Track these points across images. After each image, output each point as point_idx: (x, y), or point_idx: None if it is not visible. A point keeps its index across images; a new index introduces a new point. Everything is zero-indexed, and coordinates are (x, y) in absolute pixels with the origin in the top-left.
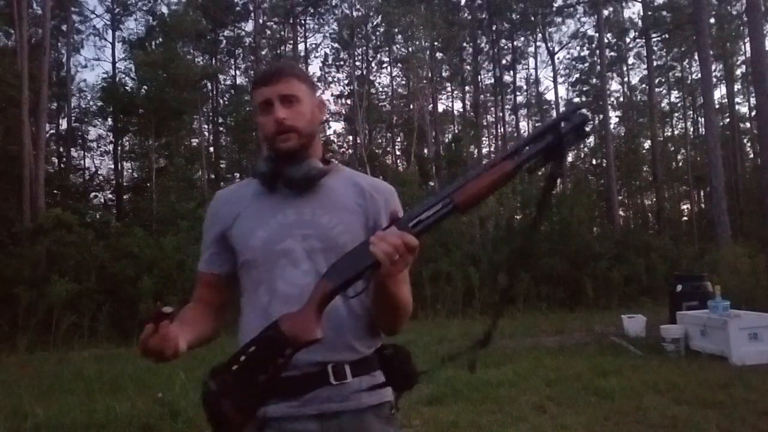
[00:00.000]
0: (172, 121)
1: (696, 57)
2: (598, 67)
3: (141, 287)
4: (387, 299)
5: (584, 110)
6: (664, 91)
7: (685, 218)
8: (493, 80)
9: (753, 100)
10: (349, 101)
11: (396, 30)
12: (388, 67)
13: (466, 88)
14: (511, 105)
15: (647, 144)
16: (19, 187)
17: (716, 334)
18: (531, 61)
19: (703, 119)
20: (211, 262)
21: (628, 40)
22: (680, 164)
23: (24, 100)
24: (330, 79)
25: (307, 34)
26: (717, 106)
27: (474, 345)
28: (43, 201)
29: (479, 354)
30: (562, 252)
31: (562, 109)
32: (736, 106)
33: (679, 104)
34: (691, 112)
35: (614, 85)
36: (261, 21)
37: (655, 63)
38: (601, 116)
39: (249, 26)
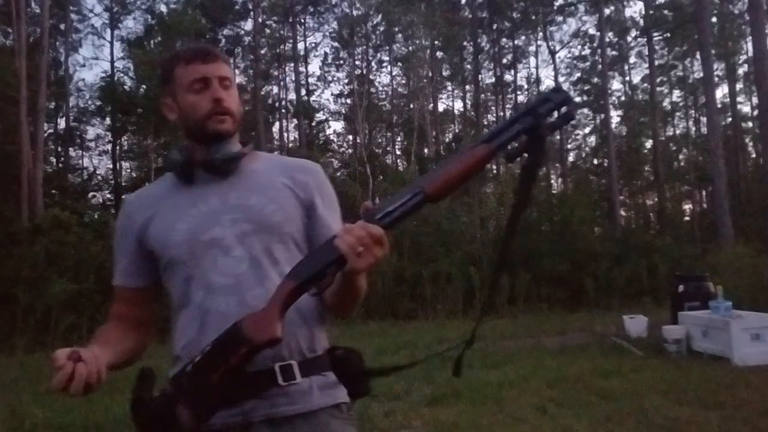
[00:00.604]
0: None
1: (698, 56)
2: (600, 66)
3: None
4: (350, 292)
5: (565, 90)
6: (666, 90)
7: (687, 218)
8: (493, 79)
9: (755, 99)
10: (349, 100)
11: (396, 29)
12: (388, 67)
13: (467, 87)
14: (512, 104)
15: (649, 143)
16: (17, 186)
17: (718, 334)
18: (532, 60)
19: (705, 118)
20: (128, 275)
21: (629, 39)
22: (682, 164)
23: (22, 99)
24: (330, 78)
25: (306, 32)
26: (719, 106)
27: (461, 345)
28: (42, 201)
29: (464, 354)
30: (563, 252)
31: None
32: (738, 106)
33: (680, 103)
34: (693, 112)
35: (616, 84)
36: (260, 20)
37: (656, 62)
38: (603, 115)
39: (248, 25)
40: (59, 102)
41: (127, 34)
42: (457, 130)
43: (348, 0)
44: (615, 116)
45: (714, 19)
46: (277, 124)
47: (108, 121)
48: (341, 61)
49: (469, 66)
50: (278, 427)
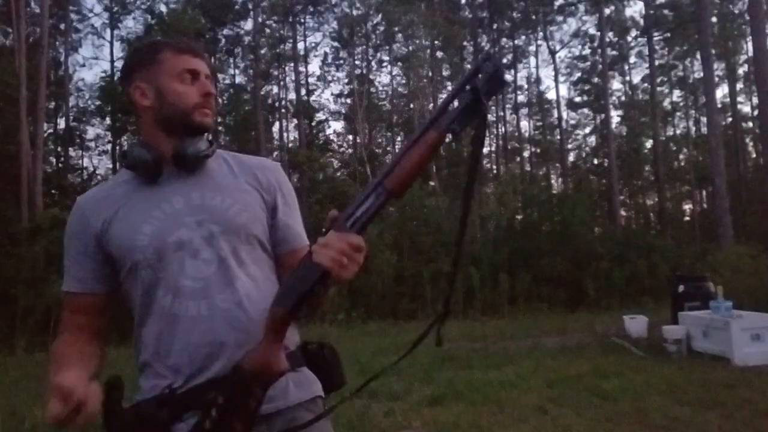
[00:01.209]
0: None
1: (698, 56)
2: (600, 66)
3: None
4: (321, 300)
5: (494, 57)
6: (666, 90)
7: (687, 218)
8: None
9: (755, 99)
10: (348, 100)
11: (396, 29)
12: (388, 66)
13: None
14: (512, 104)
15: (649, 143)
16: (16, 186)
17: (718, 334)
18: (532, 60)
19: (705, 118)
20: (84, 281)
21: (629, 38)
22: (682, 164)
23: (22, 99)
24: (330, 78)
25: (306, 32)
26: (719, 106)
27: (435, 321)
28: (41, 201)
29: (441, 327)
30: (564, 252)
31: (559, 107)
32: (738, 106)
33: (681, 103)
34: (693, 112)
35: (616, 84)
36: (260, 20)
37: (656, 62)
38: (603, 115)
39: (248, 25)
40: (59, 102)
41: (127, 34)
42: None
43: (348, 0)
44: (615, 116)
45: (714, 19)
46: (277, 124)
47: (108, 121)
48: (341, 61)
49: (469, 66)
50: (256, 426)
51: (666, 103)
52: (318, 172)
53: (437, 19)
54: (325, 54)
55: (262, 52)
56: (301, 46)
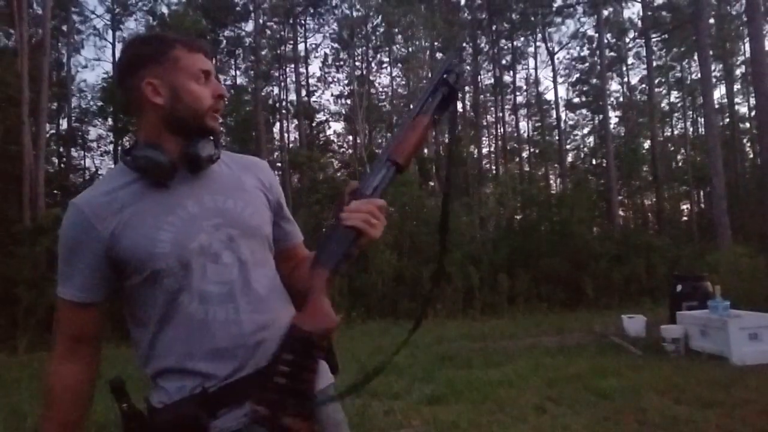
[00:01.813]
0: None
1: (696, 57)
2: (598, 67)
3: None
4: None
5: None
6: (664, 91)
7: (685, 218)
8: (492, 80)
9: (753, 100)
10: (349, 101)
11: (396, 30)
12: (388, 67)
13: (466, 88)
14: (510, 105)
15: (647, 144)
16: (19, 187)
17: (716, 334)
18: (531, 61)
19: (702, 119)
20: (86, 289)
21: (627, 40)
22: (680, 164)
23: (24, 100)
24: (330, 79)
25: (307, 34)
26: (717, 106)
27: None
28: (43, 201)
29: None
30: (563, 252)
31: (558, 108)
32: (736, 106)
33: (678, 104)
34: (691, 112)
35: (614, 85)
36: (261, 21)
37: (654, 63)
38: (601, 116)
39: (249, 26)
40: (61, 103)
41: (129, 35)
42: (456, 131)
43: (348, 1)
44: (613, 117)
45: (712, 21)
46: (277, 124)
47: (110, 121)
48: (341, 62)
49: (468, 67)
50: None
51: (664, 104)
52: (318, 172)
53: (437, 20)
54: (326, 55)
55: (263, 53)
56: (301, 47)
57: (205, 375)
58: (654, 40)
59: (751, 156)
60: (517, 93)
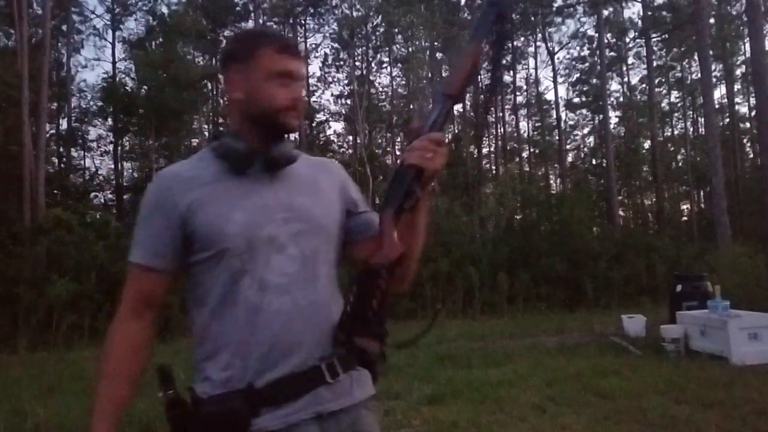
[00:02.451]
0: (172, 121)
1: (696, 57)
2: (598, 67)
3: None
4: (416, 231)
5: None
6: (664, 91)
7: (685, 218)
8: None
9: (753, 100)
10: (349, 101)
11: (396, 30)
12: (388, 67)
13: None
14: (510, 105)
15: (647, 144)
16: (19, 187)
17: (716, 334)
18: (531, 61)
19: (702, 119)
20: (164, 257)
21: (627, 40)
22: (680, 164)
23: (24, 100)
24: (330, 79)
25: (307, 34)
26: (717, 106)
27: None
28: (44, 201)
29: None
30: (562, 252)
31: (558, 108)
32: (736, 106)
33: (678, 104)
34: (691, 112)
35: (614, 85)
36: (261, 21)
37: (654, 63)
38: (601, 116)
39: (249, 26)
40: (61, 103)
41: (129, 35)
42: (456, 131)
43: (348, 1)
44: (613, 117)
45: (712, 21)
46: None
47: (109, 121)
48: (341, 62)
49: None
50: (324, 422)
51: (664, 104)
52: None
53: (437, 20)
54: (326, 55)
55: None
56: (301, 47)
57: (250, 362)
58: (654, 40)
59: (751, 156)
60: (517, 93)
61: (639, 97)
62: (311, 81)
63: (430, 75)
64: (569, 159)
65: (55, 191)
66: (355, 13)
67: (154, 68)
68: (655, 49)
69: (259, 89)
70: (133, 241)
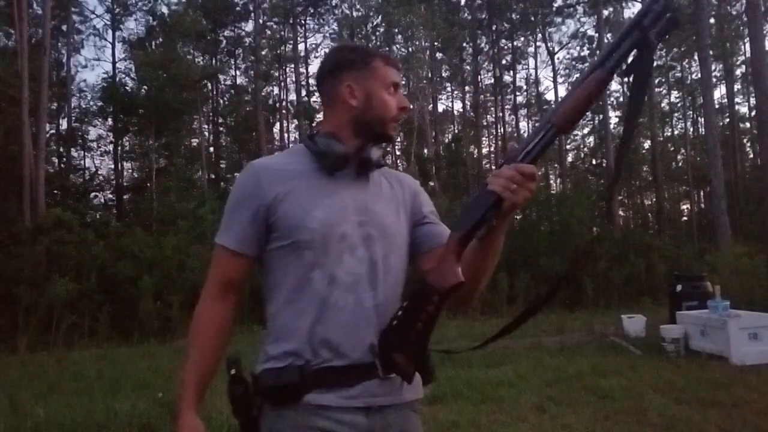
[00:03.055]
0: (172, 121)
1: (696, 57)
2: None
3: (141, 287)
4: (488, 257)
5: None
6: (664, 91)
7: (685, 218)
8: (493, 80)
9: (753, 100)
10: None
11: (396, 30)
12: None
13: (466, 88)
14: (511, 105)
15: (647, 144)
16: (19, 187)
17: (716, 333)
18: (531, 61)
19: (702, 119)
20: (248, 243)
21: None
22: (680, 164)
23: (24, 100)
24: None
25: (307, 34)
26: (717, 106)
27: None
28: (44, 201)
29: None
30: (562, 252)
31: None
32: (736, 106)
33: (678, 104)
34: (691, 112)
35: (614, 85)
36: (261, 21)
37: (654, 63)
38: (601, 116)
39: (249, 26)
40: (61, 103)
41: (129, 35)
42: (456, 131)
43: (348, 1)
44: (613, 117)
45: (712, 21)
46: (277, 124)
47: (109, 121)
48: None
49: (468, 67)
50: (372, 415)
51: (664, 104)
52: None
53: (437, 20)
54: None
55: (263, 53)
56: (301, 47)
57: (312, 352)
58: None
59: (751, 156)
60: (517, 93)
61: None
62: (311, 81)
63: (429, 75)
64: (569, 159)
65: (55, 191)
66: (355, 13)
67: (154, 68)
68: None
69: (375, 97)
70: (222, 225)
